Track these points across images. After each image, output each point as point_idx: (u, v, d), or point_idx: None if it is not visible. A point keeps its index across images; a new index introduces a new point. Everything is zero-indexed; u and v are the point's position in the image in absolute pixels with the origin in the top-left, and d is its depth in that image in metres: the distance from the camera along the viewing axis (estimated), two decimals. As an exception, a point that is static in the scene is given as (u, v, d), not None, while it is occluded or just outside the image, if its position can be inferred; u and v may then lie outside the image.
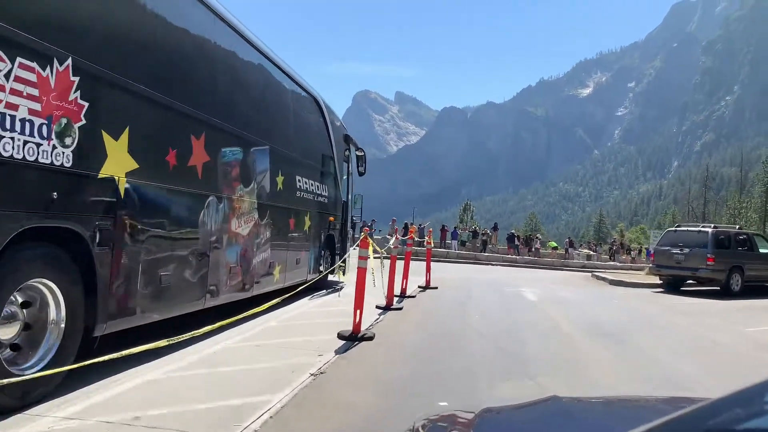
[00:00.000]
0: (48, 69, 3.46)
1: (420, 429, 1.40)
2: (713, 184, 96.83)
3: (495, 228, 37.00)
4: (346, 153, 11.39)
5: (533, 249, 33.80)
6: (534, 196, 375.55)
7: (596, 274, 17.58)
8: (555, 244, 39.00)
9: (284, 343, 5.52)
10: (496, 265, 23.48)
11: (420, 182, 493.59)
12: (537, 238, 40.97)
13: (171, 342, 3.82)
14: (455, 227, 33.05)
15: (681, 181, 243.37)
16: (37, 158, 3.39)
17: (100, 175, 4.01)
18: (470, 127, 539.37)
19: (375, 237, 24.19)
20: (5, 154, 3.17)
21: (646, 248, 45.31)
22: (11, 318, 3.49)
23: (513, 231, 37.32)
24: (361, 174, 11.96)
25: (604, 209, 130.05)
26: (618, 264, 33.49)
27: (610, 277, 15.51)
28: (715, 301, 11.67)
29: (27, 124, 3.31)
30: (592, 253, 37.51)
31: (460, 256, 25.05)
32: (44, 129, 3.44)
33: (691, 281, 13.64)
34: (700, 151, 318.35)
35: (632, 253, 42.84)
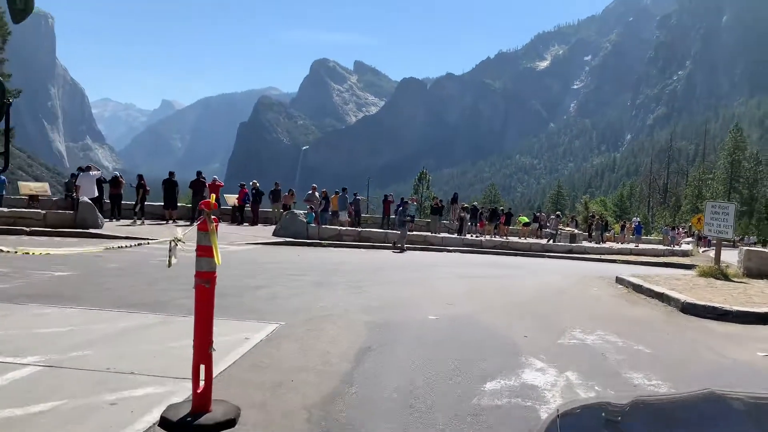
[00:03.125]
0: None
1: (561, 417, 1.43)
2: (665, 157, 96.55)
3: (454, 200, 32.66)
4: None
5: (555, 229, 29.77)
6: (491, 168, 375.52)
7: (629, 280, 10.84)
8: (526, 219, 35.61)
9: None
10: (453, 251, 20.34)
11: (380, 153, 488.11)
12: (555, 216, 34.55)
13: None
14: (402, 199, 27.81)
15: (634, 154, 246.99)
16: None
17: None
18: (429, 99, 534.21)
19: (297, 211, 20.45)
20: None
21: (623, 223, 42.83)
22: None
23: (476, 205, 32.56)
24: None
25: (560, 181, 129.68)
26: (606, 245, 29.65)
27: (676, 295, 8.72)
28: None
29: None
30: (576, 231, 31.61)
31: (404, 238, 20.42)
32: None
33: None
34: (653, 125, 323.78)
35: (611, 230, 39.76)
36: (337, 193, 28.13)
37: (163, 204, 21.51)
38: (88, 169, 20.18)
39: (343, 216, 26.10)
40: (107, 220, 19.15)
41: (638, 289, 10.24)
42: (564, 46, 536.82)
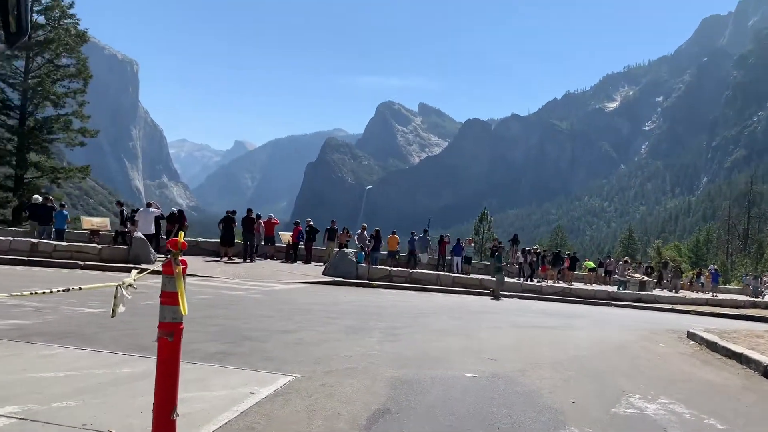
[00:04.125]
0: None
1: None
2: (745, 201, 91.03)
3: (514, 240, 31.40)
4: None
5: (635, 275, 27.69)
6: (558, 210, 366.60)
7: (701, 336, 9.65)
8: (593, 264, 33.76)
9: None
10: (510, 297, 19.23)
11: (441, 194, 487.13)
12: (623, 262, 31.05)
13: None
14: (459, 240, 27.37)
15: (711, 198, 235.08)
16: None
17: None
18: (494, 140, 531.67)
19: (348, 250, 19.87)
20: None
21: (698, 271, 40.02)
22: None
23: (555, 250, 30.40)
24: None
25: (631, 225, 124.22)
26: (679, 294, 27.30)
27: (757, 357, 7.64)
28: None
29: None
30: (646, 279, 29.08)
31: (458, 281, 20.13)
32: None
33: None
34: (731, 168, 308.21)
35: (685, 276, 36.93)
36: (393, 232, 27.80)
37: (219, 241, 21.65)
38: (149, 206, 20.63)
39: (425, 258, 25.65)
40: (162, 256, 19.39)
41: (712, 346, 9.11)
42: (634, 86, 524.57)
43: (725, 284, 47.75)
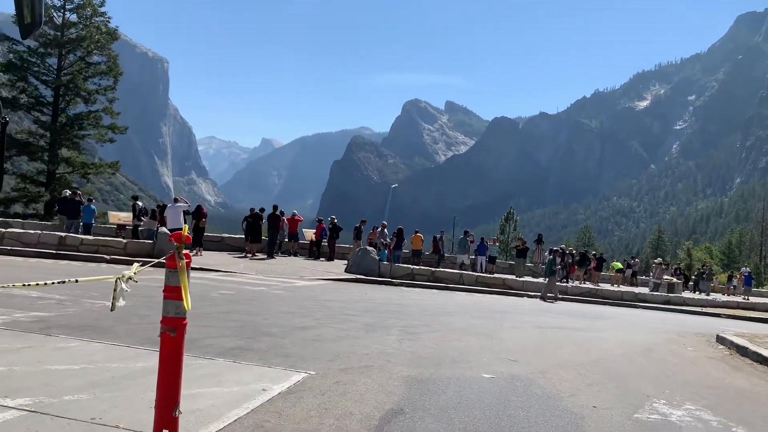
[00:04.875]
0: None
1: None
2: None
3: (539, 240, 31.05)
4: None
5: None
6: (586, 210, 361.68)
7: (731, 340, 9.38)
8: (620, 265, 33.13)
9: None
10: (535, 297, 18.94)
11: (468, 193, 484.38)
12: (656, 263, 31.09)
13: None
14: (483, 239, 26.95)
15: (744, 198, 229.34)
16: None
17: None
18: (521, 138, 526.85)
19: (370, 248, 19.70)
20: None
21: (730, 273, 38.98)
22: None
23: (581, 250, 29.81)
24: None
25: (661, 226, 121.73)
26: (710, 297, 26.42)
27: None
28: None
29: None
30: (675, 280, 28.32)
31: (481, 281, 19.61)
32: None
33: None
34: (765, 168, 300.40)
35: (715, 278, 35.71)
36: (416, 231, 27.61)
37: (244, 237, 21.77)
38: (176, 201, 20.84)
39: (463, 258, 25.28)
40: (191, 252, 19.55)
41: (743, 351, 8.80)
42: (666, 85, 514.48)
43: (758, 287, 46.50)
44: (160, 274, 10.57)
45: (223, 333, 6.87)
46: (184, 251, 2.77)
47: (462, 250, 25.77)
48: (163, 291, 2.85)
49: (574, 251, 29.14)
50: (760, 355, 8.15)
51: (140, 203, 21.21)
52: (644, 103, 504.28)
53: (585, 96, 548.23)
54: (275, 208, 21.50)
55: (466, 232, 26.80)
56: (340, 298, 12.61)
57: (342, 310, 10.36)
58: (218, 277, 14.35)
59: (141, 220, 20.57)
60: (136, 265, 2.87)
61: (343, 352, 6.36)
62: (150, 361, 5.28)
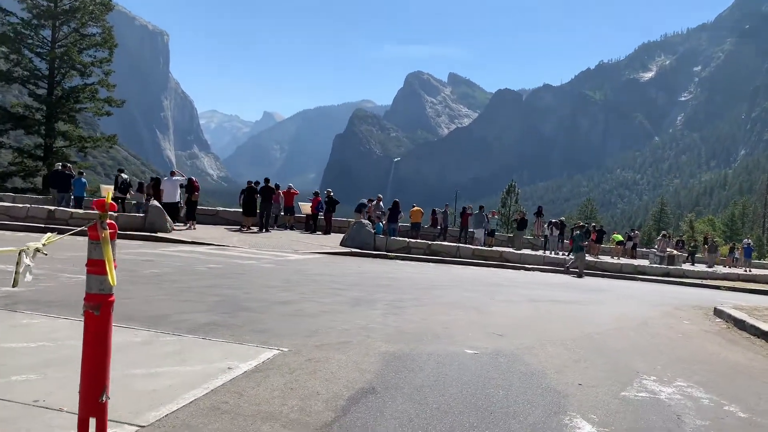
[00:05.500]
0: None
1: None
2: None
3: (539, 213, 30.68)
4: None
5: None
6: (589, 182, 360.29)
7: (729, 313, 9.13)
8: (620, 237, 32.70)
9: None
10: (532, 269, 18.69)
11: (471, 166, 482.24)
12: (661, 236, 31.01)
13: None
14: (482, 208, 26.22)
15: (748, 170, 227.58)
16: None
17: None
18: (525, 111, 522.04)
19: (365, 221, 19.32)
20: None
21: (731, 245, 38.57)
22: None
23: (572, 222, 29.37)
24: None
25: (664, 198, 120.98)
26: (710, 269, 26.29)
27: None
28: None
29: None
30: (676, 253, 28.12)
31: (478, 254, 19.23)
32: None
33: None
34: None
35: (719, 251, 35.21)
36: (415, 206, 27.35)
37: (241, 211, 21.50)
38: (173, 174, 20.55)
39: (479, 233, 24.81)
40: (182, 224, 19.34)
41: (740, 324, 8.56)
42: (671, 56, 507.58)
43: (760, 259, 46.25)
44: (149, 248, 10.39)
45: (200, 308, 6.64)
46: (109, 221, 2.48)
47: (478, 225, 25.39)
48: (86, 265, 2.58)
49: (555, 221, 28.55)
50: (758, 328, 7.91)
51: (124, 175, 20.89)
52: (649, 75, 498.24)
53: (589, 67, 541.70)
54: (267, 180, 21.18)
55: (481, 208, 26.44)
56: (332, 271, 12.38)
57: (330, 284, 10.13)
58: (209, 251, 14.13)
59: (126, 193, 20.31)
60: (46, 236, 2.58)
61: (322, 328, 6.13)
62: (115, 338, 5.04)
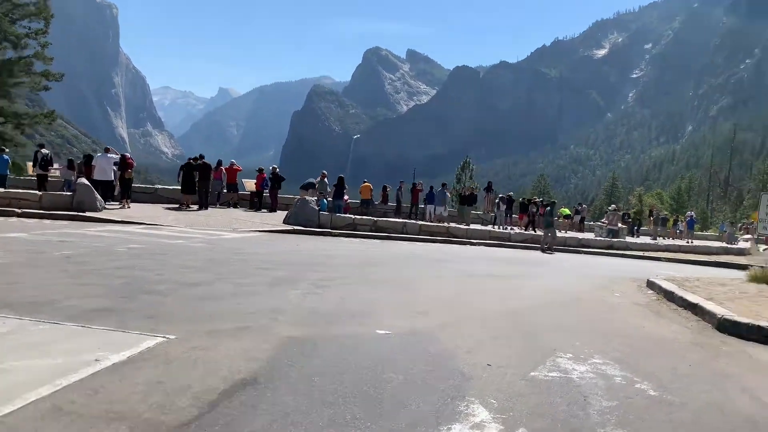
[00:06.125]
0: None
1: None
2: (728, 150, 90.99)
3: (488, 188, 30.70)
4: None
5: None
6: (544, 159, 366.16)
7: (660, 285, 9.04)
8: (568, 211, 33.04)
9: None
10: (477, 244, 18.58)
11: (430, 143, 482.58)
12: (611, 209, 30.17)
13: None
14: (432, 188, 26.08)
15: (695, 146, 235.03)
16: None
17: None
18: (482, 88, 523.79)
19: (310, 198, 18.74)
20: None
21: (675, 217, 39.41)
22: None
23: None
24: None
25: (615, 173, 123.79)
26: (654, 241, 26.70)
27: (711, 307, 7.01)
28: None
29: None
30: (621, 225, 28.48)
31: (425, 229, 19.02)
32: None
33: None
34: (716, 116, 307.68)
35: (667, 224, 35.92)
36: (365, 181, 27.01)
37: (180, 189, 20.69)
38: (107, 151, 19.58)
39: (440, 210, 24.49)
40: (116, 203, 18.48)
41: (670, 296, 8.51)
42: (624, 33, 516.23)
43: (703, 231, 47.74)
44: (73, 228, 9.63)
45: (97, 292, 6.11)
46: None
47: (441, 202, 25.15)
48: None
49: (504, 196, 28.53)
50: (685, 300, 7.83)
51: (44, 150, 19.75)
52: (602, 52, 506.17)
53: (545, 45, 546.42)
54: (201, 157, 20.43)
55: (444, 185, 26.25)
56: (267, 250, 11.91)
57: (259, 263, 9.67)
58: (138, 230, 13.44)
59: (47, 170, 19.26)
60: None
61: (227, 311, 5.69)
62: (-23, 328, 4.51)
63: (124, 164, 18.37)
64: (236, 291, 6.83)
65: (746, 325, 6.39)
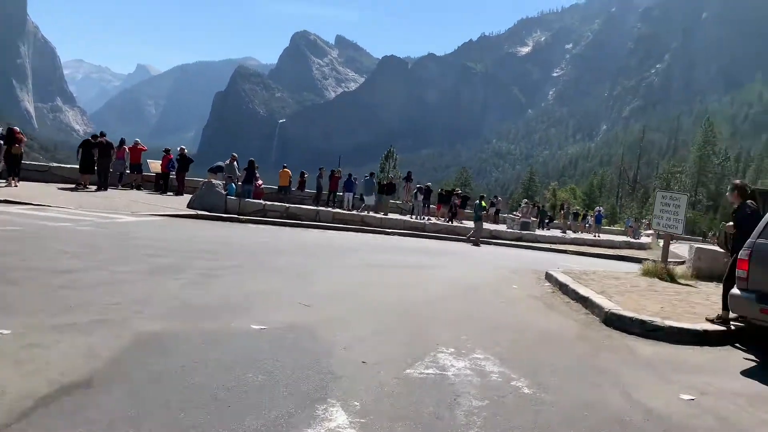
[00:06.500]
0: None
1: None
2: (637, 149, 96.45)
3: (408, 178, 30.85)
4: None
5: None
6: (468, 151, 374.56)
7: (556, 277, 9.20)
8: (484, 204, 33.64)
9: None
10: (391, 234, 18.51)
11: (357, 131, 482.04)
12: (525, 203, 31.93)
13: None
14: (350, 175, 26.16)
15: (608, 144, 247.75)
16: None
17: None
18: (410, 78, 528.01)
19: (216, 181, 18.09)
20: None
21: (584, 212, 41.08)
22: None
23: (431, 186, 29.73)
24: None
25: (533, 168, 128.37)
26: (563, 234, 27.76)
27: (599, 301, 7.15)
28: None
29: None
30: (532, 219, 29.19)
31: (338, 217, 18.78)
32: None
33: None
34: (628, 117, 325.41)
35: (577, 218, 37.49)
36: (284, 167, 26.46)
37: (79, 168, 19.32)
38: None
39: (370, 200, 24.60)
40: (3, 182, 16.98)
41: (564, 289, 8.65)
42: (547, 32, 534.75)
43: (611, 226, 50.17)
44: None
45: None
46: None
47: (368, 192, 24.97)
48: None
49: (422, 186, 28.91)
50: (577, 293, 7.95)
51: None
52: (526, 49, 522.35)
53: (472, 39, 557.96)
54: (102, 134, 19.17)
55: (372, 174, 26.23)
56: (161, 235, 11.20)
57: (146, 249, 9.01)
58: (20, 211, 12.31)
59: None
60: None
61: (89, 302, 5.14)
62: None
63: (11, 138, 16.87)
64: (107, 280, 6.24)
65: (630, 318, 6.51)
